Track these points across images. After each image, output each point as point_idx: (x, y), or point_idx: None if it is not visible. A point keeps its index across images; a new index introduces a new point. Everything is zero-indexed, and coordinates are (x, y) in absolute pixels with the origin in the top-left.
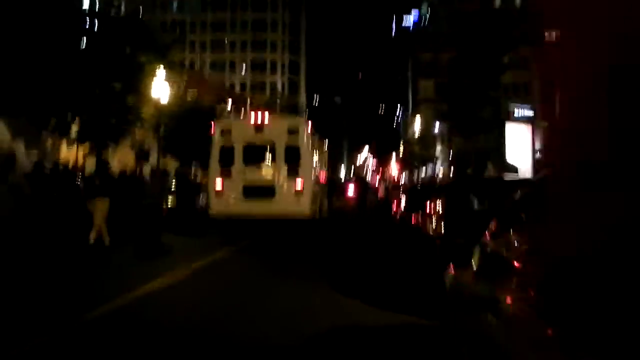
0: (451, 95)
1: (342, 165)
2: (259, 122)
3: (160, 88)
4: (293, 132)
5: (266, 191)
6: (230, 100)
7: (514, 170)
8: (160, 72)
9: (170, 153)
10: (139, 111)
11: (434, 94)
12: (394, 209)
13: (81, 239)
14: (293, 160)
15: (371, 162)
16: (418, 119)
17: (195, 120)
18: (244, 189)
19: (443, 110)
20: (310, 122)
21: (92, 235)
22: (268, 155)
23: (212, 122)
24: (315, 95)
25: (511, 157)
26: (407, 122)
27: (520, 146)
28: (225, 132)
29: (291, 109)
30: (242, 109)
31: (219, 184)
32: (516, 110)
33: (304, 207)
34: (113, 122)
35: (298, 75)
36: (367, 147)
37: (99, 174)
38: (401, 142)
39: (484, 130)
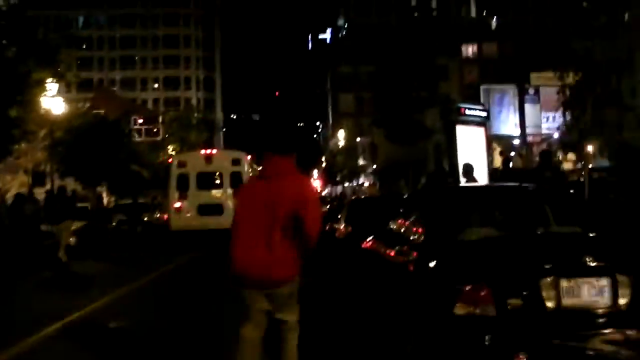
0: (383, 99)
1: None
2: (209, 155)
3: (52, 99)
4: (236, 162)
5: (217, 208)
6: (138, 117)
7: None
8: (51, 83)
9: (70, 175)
10: (24, 124)
11: (354, 107)
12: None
13: None
14: (237, 184)
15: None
16: (342, 132)
17: (99, 136)
18: (198, 207)
19: (375, 117)
20: (249, 155)
21: None
22: (217, 181)
23: (170, 157)
24: (231, 112)
25: (463, 163)
26: (328, 136)
27: (473, 151)
28: (182, 163)
29: (207, 124)
30: (154, 124)
31: (178, 204)
32: (467, 112)
33: None
34: None
35: (214, 92)
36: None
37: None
38: (323, 157)
39: (423, 136)
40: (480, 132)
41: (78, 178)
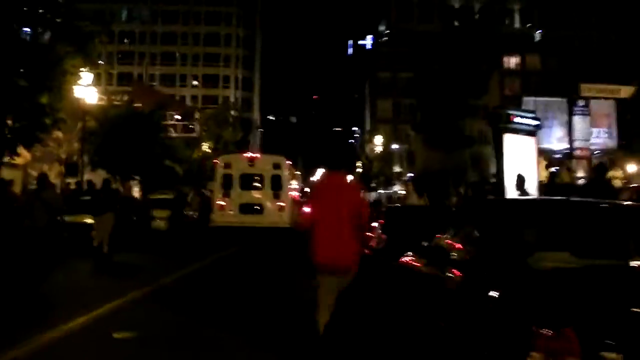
0: (424, 105)
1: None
2: (252, 158)
3: (85, 88)
4: (277, 166)
5: (258, 208)
6: (175, 112)
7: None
8: (85, 72)
9: (102, 167)
10: (55, 112)
11: (391, 114)
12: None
13: None
14: (276, 187)
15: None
16: (379, 137)
17: (133, 128)
18: (240, 206)
19: (416, 122)
20: (289, 161)
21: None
22: (258, 183)
23: (216, 159)
24: (269, 113)
25: (510, 174)
26: (365, 142)
27: (522, 161)
28: (227, 164)
29: (244, 123)
30: (190, 120)
31: (221, 202)
32: (517, 119)
33: (286, 219)
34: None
35: (252, 92)
36: (320, 168)
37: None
38: (359, 162)
39: (463, 144)
40: (530, 142)
41: (110, 170)
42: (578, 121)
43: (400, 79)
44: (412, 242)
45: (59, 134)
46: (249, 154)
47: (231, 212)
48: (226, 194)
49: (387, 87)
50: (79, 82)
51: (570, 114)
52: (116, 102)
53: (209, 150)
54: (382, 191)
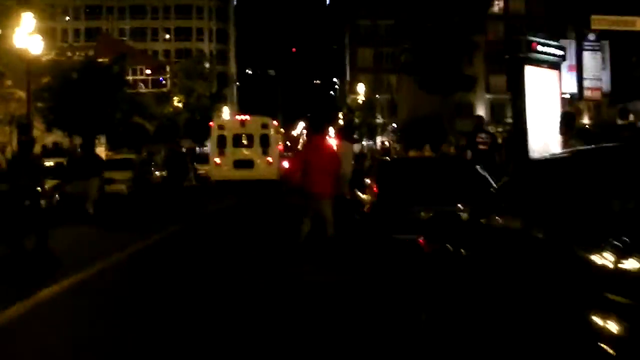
0: (417, 42)
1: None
2: (243, 120)
3: (27, 34)
4: (265, 126)
5: (249, 163)
6: (145, 67)
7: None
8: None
9: (58, 126)
10: None
11: (372, 63)
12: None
13: None
14: (265, 144)
15: (305, 135)
16: (361, 86)
17: (92, 82)
18: (234, 162)
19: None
20: (275, 120)
21: None
22: (249, 141)
23: (211, 121)
24: (246, 67)
25: (533, 119)
26: (346, 92)
27: (545, 100)
28: (221, 126)
29: (219, 77)
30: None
31: (217, 159)
32: (540, 47)
33: (274, 173)
34: None
35: (227, 44)
36: (301, 122)
37: None
38: (340, 114)
39: (464, 86)
40: (553, 76)
41: (67, 130)
42: (589, 58)
43: (381, 27)
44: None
45: (20, 93)
46: (240, 117)
47: (226, 168)
48: (221, 153)
49: (367, 36)
50: (16, 28)
51: (580, 50)
52: (78, 57)
53: (180, 105)
54: (365, 143)
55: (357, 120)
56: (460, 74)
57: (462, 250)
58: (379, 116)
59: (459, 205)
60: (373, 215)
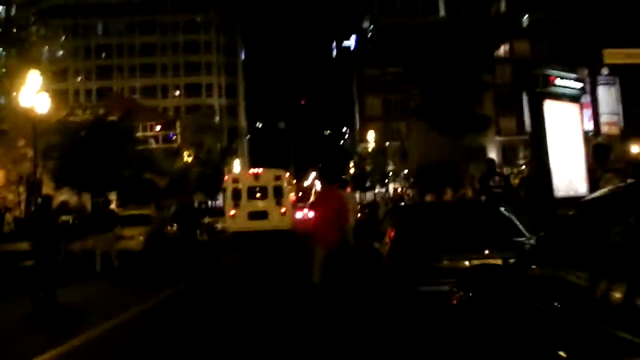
0: (427, 86)
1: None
2: (256, 173)
3: (33, 93)
4: (277, 178)
5: (263, 214)
6: (155, 123)
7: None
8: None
9: (67, 184)
10: None
11: (381, 111)
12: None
13: None
14: (278, 196)
15: (319, 187)
16: (371, 134)
17: (100, 139)
18: (248, 214)
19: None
20: (288, 172)
21: None
22: (262, 193)
23: (223, 175)
24: (256, 120)
25: (556, 155)
26: (356, 141)
27: (564, 136)
28: (235, 180)
29: (230, 131)
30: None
31: (233, 211)
32: (559, 81)
33: (287, 223)
34: None
35: (236, 99)
36: (313, 172)
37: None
38: (351, 163)
39: (478, 127)
40: (574, 111)
41: (77, 187)
42: (604, 92)
43: (388, 75)
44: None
45: (32, 153)
46: (253, 170)
47: (241, 219)
48: (236, 205)
49: (375, 84)
50: (22, 87)
51: (594, 86)
52: (88, 116)
53: (190, 160)
54: (377, 190)
55: (368, 168)
56: (472, 114)
57: (512, 306)
58: (390, 163)
59: (488, 251)
60: (392, 265)
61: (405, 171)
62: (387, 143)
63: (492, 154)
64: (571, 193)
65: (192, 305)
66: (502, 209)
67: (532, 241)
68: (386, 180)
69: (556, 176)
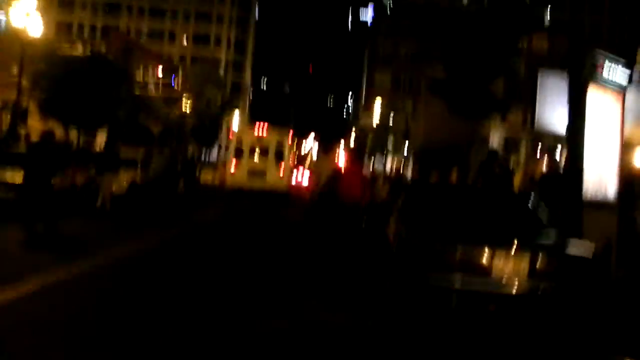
0: (451, 61)
1: None
2: (261, 136)
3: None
4: (281, 141)
5: (261, 174)
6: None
7: None
8: None
9: (54, 115)
10: None
11: (389, 87)
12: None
13: None
14: (279, 157)
15: (316, 151)
16: (378, 102)
17: (97, 75)
18: (248, 171)
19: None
20: (291, 131)
21: None
22: (264, 152)
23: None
24: (261, 79)
25: (592, 151)
26: (360, 114)
27: (603, 130)
28: (239, 138)
29: (234, 87)
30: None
31: (233, 168)
32: (608, 65)
33: (284, 184)
34: None
35: (244, 55)
36: (312, 135)
37: None
38: (352, 131)
39: (494, 109)
40: (616, 102)
41: (64, 120)
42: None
43: (400, 53)
44: None
45: (24, 81)
46: (258, 129)
47: (240, 177)
48: (238, 162)
49: (386, 60)
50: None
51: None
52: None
53: (188, 110)
54: (377, 164)
55: (369, 143)
56: (493, 98)
57: None
58: (392, 139)
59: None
60: (402, 251)
61: (406, 148)
62: (391, 118)
63: (495, 145)
64: (599, 197)
65: (191, 243)
66: (530, 199)
67: None
68: (385, 152)
69: (587, 172)
